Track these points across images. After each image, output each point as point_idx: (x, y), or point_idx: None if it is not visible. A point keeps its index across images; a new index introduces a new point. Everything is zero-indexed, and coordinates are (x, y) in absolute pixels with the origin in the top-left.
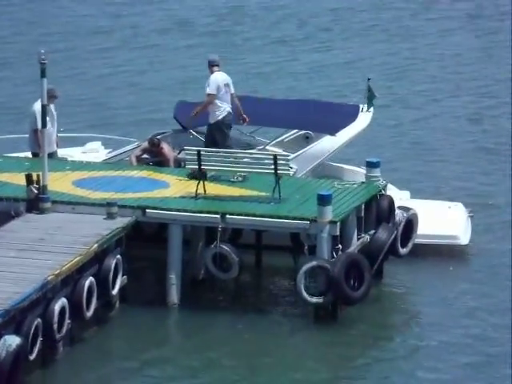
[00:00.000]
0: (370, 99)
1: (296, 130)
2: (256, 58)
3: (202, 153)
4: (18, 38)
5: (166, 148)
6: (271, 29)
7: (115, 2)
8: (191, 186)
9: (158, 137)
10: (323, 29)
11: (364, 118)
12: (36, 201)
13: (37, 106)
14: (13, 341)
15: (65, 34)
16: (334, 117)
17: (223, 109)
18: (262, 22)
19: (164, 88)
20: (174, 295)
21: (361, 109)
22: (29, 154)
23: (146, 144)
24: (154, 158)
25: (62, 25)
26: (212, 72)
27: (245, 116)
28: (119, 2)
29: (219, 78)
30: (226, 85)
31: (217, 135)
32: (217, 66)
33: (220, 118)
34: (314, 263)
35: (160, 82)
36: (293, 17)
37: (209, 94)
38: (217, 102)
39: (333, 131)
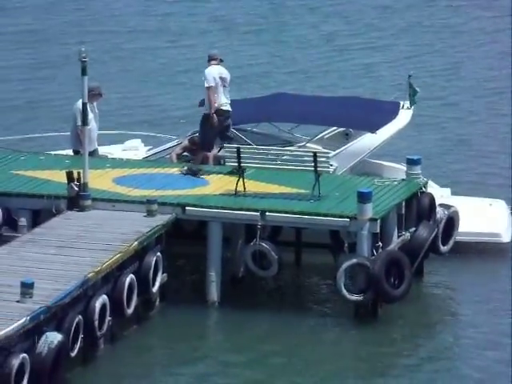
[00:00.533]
0: (412, 96)
1: (336, 128)
2: (302, 55)
3: (241, 150)
4: (64, 37)
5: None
6: (318, 26)
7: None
8: (231, 184)
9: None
10: (370, 26)
11: (405, 115)
12: (77, 198)
13: (79, 104)
14: (54, 337)
15: (111, 32)
16: (374, 114)
17: (217, 102)
18: (307, 19)
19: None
20: (213, 293)
21: (401, 106)
22: (70, 152)
23: (186, 142)
24: (194, 155)
25: (108, 23)
26: (209, 65)
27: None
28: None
29: (213, 70)
30: (222, 78)
31: (208, 126)
32: (214, 59)
33: (213, 110)
34: (354, 261)
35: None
36: (339, 14)
37: (208, 88)
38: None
39: (373, 128)
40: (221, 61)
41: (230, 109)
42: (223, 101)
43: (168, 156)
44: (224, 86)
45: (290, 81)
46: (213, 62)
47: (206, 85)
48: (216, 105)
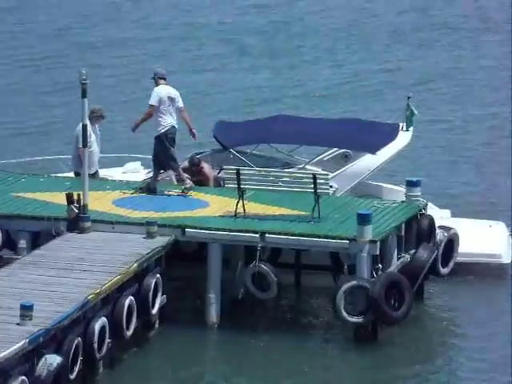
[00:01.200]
0: (410, 117)
1: (335, 149)
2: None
3: (241, 172)
4: (84, 60)
5: (206, 167)
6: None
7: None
8: (230, 205)
9: (198, 156)
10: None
11: (404, 137)
12: (76, 220)
13: (80, 126)
14: (54, 360)
15: (126, 57)
16: (373, 135)
17: (166, 122)
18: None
19: (223, 110)
20: (213, 315)
21: (401, 127)
22: (70, 174)
23: (186, 163)
24: (194, 177)
25: (121, 49)
26: (157, 85)
27: (194, 131)
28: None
29: (162, 90)
30: (170, 98)
31: (159, 148)
32: (163, 79)
33: (162, 131)
34: (353, 283)
35: (217, 104)
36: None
37: (150, 105)
38: (159, 115)
39: (373, 150)
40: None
41: (175, 129)
42: (169, 121)
43: (168, 178)
44: (172, 106)
45: (299, 104)
46: (161, 81)
47: (149, 102)
48: (162, 131)
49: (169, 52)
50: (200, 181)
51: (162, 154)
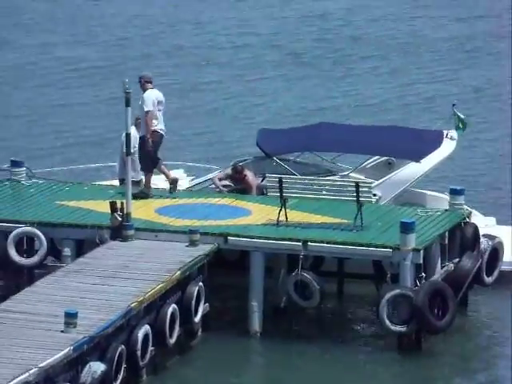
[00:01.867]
0: (461, 124)
1: (379, 157)
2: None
3: (283, 180)
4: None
5: (249, 175)
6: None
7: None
8: (273, 214)
9: (241, 164)
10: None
11: (449, 144)
12: (120, 228)
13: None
14: (98, 367)
15: (178, 65)
16: (417, 143)
17: (154, 125)
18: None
19: (269, 121)
20: (255, 323)
21: (445, 135)
22: (114, 182)
23: (229, 170)
24: (237, 185)
25: (174, 57)
26: (145, 89)
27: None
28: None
29: (152, 94)
30: (159, 102)
31: (142, 149)
32: (150, 82)
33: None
34: (396, 291)
35: (266, 115)
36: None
37: (147, 112)
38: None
39: (417, 157)
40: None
41: (164, 133)
42: (159, 125)
43: (212, 186)
44: (159, 110)
45: (349, 113)
46: (149, 85)
47: (146, 109)
48: (152, 129)
49: (220, 59)
50: (243, 189)
51: (143, 157)
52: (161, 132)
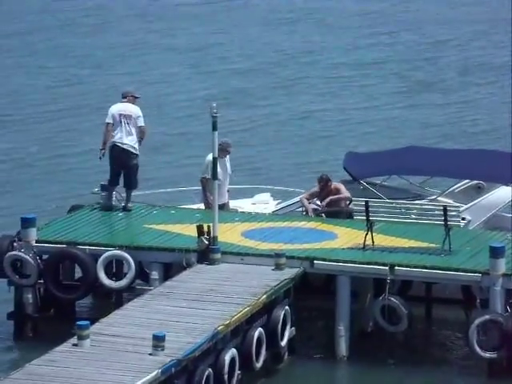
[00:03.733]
0: None
1: (467, 180)
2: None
3: (370, 204)
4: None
5: (341, 187)
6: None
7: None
8: (359, 238)
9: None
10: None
11: None
12: (206, 252)
13: (209, 157)
14: None
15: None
16: (507, 166)
17: (114, 137)
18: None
19: (331, 136)
20: (342, 347)
21: None
22: (201, 206)
23: (316, 188)
24: (322, 195)
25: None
26: (134, 103)
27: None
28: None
29: (114, 107)
30: (124, 116)
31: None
32: (124, 98)
33: (109, 145)
34: (486, 317)
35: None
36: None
37: (144, 127)
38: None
39: (507, 181)
40: (135, 98)
41: (126, 147)
42: (117, 138)
43: (299, 209)
44: (127, 124)
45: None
46: (123, 99)
47: (144, 124)
48: (109, 146)
49: (302, 77)
50: (331, 212)
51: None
52: (123, 147)
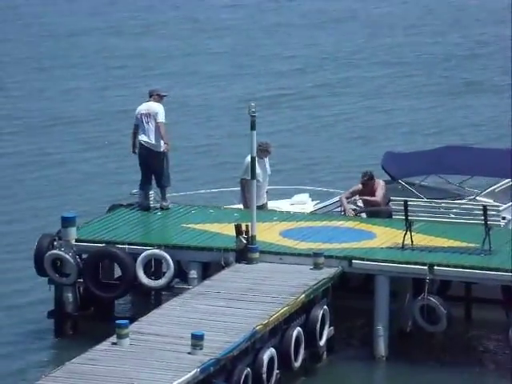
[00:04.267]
0: None
1: (508, 180)
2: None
3: (409, 203)
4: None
5: (380, 185)
6: None
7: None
8: (398, 237)
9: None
10: None
11: None
12: (245, 251)
13: (248, 158)
14: None
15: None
16: None
17: (138, 137)
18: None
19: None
20: (381, 347)
21: None
22: (240, 206)
23: (359, 186)
24: (364, 196)
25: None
26: (160, 101)
27: (166, 145)
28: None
29: (138, 108)
30: (145, 115)
31: (166, 165)
32: (150, 96)
33: (165, 148)
34: None
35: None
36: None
37: (164, 124)
38: (166, 132)
39: None
40: (160, 97)
41: (148, 146)
42: (141, 138)
43: (337, 209)
44: (147, 122)
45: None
46: (149, 98)
47: (164, 120)
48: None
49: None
50: (370, 212)
51: (166, 171)
52: (145, 145)
